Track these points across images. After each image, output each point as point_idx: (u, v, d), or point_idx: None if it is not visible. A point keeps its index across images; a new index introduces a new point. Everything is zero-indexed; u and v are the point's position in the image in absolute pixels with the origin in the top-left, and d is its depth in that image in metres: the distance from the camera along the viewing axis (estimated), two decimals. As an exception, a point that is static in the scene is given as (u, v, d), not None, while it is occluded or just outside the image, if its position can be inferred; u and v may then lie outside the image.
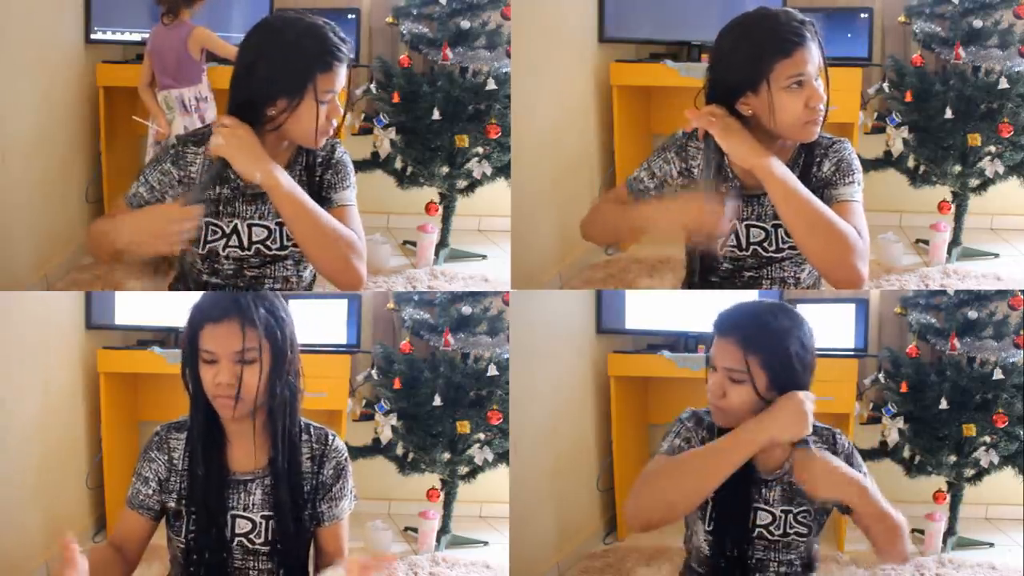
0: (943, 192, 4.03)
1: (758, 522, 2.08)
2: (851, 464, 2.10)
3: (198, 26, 3.71)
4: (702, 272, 2.25)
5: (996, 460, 3.71)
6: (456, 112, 4.01)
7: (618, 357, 3.72)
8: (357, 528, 3.51)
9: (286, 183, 2.08)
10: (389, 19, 4.07)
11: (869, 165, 3.99)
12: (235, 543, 2.03)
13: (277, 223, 2.16)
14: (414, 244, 4.06)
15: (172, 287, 2.33)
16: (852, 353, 3.66)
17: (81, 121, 3.96)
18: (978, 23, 3.89)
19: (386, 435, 3.79)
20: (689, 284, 2.32)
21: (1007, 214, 4.05)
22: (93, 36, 3.99)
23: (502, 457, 3.73)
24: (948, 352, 3.72)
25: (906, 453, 3.77)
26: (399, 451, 3.80)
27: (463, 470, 3.77)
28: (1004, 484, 3.74)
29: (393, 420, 3.78)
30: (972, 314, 3.71)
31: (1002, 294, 3.74)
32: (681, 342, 3.69)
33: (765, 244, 2.18)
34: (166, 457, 2.04)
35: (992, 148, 3.94)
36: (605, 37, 3.94)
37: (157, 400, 3.75)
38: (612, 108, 3.95)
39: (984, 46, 3.90)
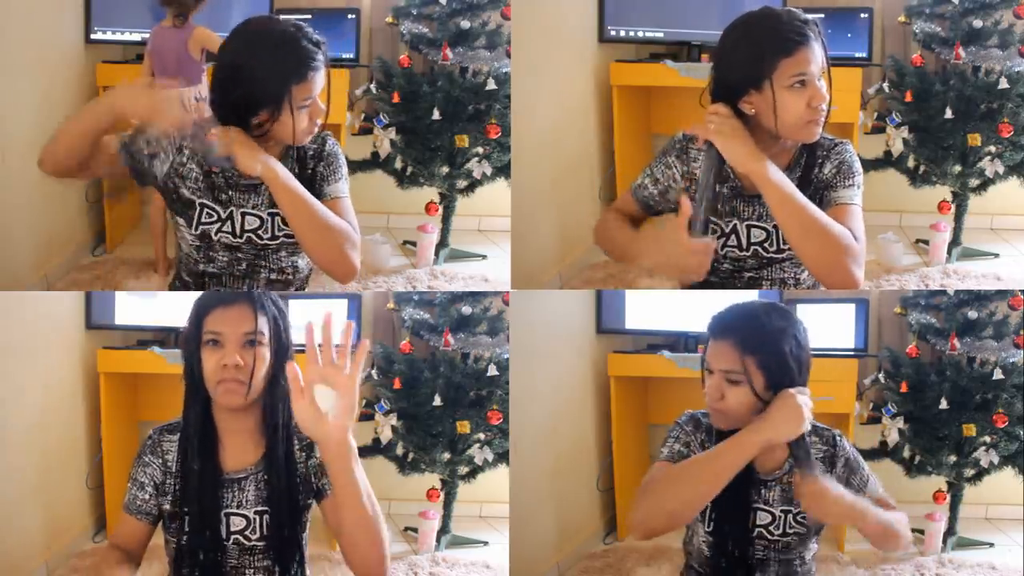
0: (943, 192, 4.03)
1: (758, 522, 2.08)
2: (852, 470, 2.11)
3: (199, 26, 3.71)
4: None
5: (996, 460, 3.71)
6: (456, 112, 4.01)
7: (618, 357, 3.72)
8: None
9: (283, 175, 2.11)
10: (389, 19, 4.07)
11: (869, 165, 4.00)
12: (231, 541, 2.03)
13: (270, 213, 2.18)
14: (414, 244, 4.06)
15: (172, 287, 2.34)
16: (852, 353, 3.66)
17: (81, 121, 3.96)
18: (978, 23, 3.89)
19: (386, 435, 3.79)
20: (689, 284, 2.32)
21: (1007, 214, 4.06)
22: (93, 36, 3.99)
23: (502, 457, 3.73)
24: (948, 352, 3.72)
25: (906, 453, 3.77)
26: (399, 451, 3.80)
27: (463, 470, 3.78)
28: (1004, 484, 3.74)
29: (393, 420, 3.78)
30: (972, 314, 3.71)
31: (1002, 294, 3.74)
32: (681, 342, 3.69)
33: (766, 244, 2.18)
34: (160, 460, 2.05)
35: (992, 148, 3.94)
36: (605, 37, 3.94)
37: (157, 400, 3.75)
38: (612, 108, 3.95)
39: (984, 46, 3.90)
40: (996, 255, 4.00)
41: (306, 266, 2.29)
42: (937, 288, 3.81)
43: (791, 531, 2.10)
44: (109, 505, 3.69)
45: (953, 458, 3.74)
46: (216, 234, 2.19)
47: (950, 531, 3.74)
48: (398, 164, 4.09)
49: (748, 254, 2.20)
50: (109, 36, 3.99)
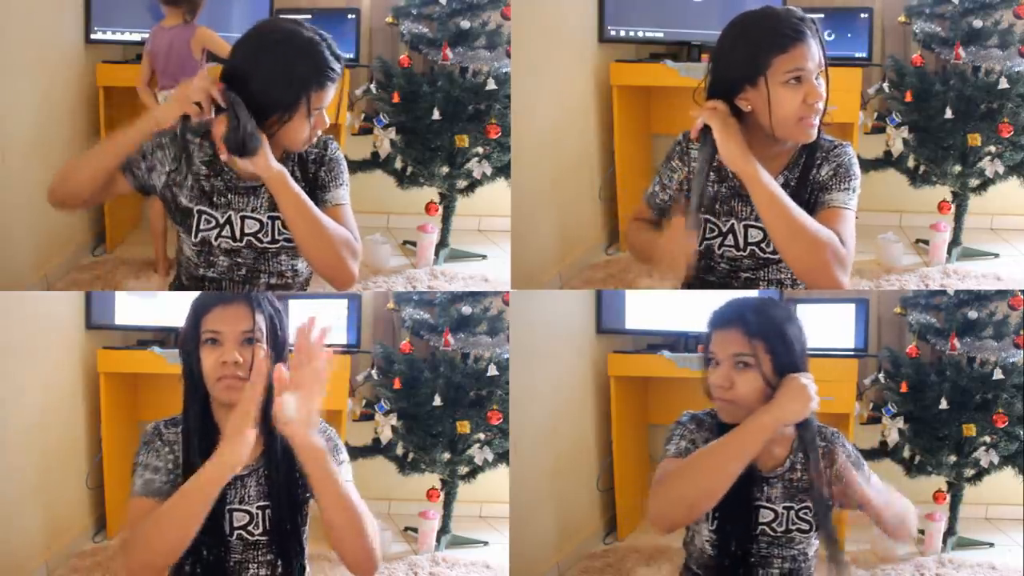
0: (943, 192, 4.03)
1: (760, 520, 2.09)
2: (855, 465, 2.12)
3: (201, 26, 3.71)
4: (699, 272, 2.26)
5: (996, 460, 3.71)
6: (456, 112, 4.01)
7: (618, 357, 3.72)
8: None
9: (288, 178, 2.11)
10: (389, 19, 4.07)
11: (869, 165, 4.00)
12: (234, 537, 2.03)
13: (269, 217, 2.19)
14: (414, 244, 4.06)
15: (172, 287, 2.34)
16: (852, 353, 3.66)
17: (81, 121, 3.96)
18: (978, 23, 3.90)
19: (386, 435, 3.79)
20: (686, 284, 2.32)
21: (1007, 214, 4.06)
22: (93, 36, 3.99)
23: (502, 457, 3.73)
24: (948, 352, 3.72)
25: (906, 453, 3.77)
26: (399, 451, 3.80)
27: (463, 470, 3.78)
28: (1004, 484, 3.74)
29: (393, 420, 3.78)
30: (972, 314, 3.71)
31: (1002, 294, 3.74)
32: (681, 342, 3.69)
33: (763, 244, 2.18)
34: (168, 449, 2.05)
35: (992, 148, 3.94)
36: (605, 37, 3.94)
37: (157, 400, 3.75)
38: (612, 108, 3.95)
39: (984, 46, 3.90)
40: (996, 255, 4.00)
41: (305, 269, 2.29)
42: (937, 288, 3.81)
43: (794, 527, 2.10)
44: (109, 505, 3.69)
45: (953, 458, 3.74)
46: (216, 239, 2.19)
47: (950, 531, 3.74)
48: (398, 164, 4.09)
49: (745, 254, 2.21)
50: (109, 36, 3.99)
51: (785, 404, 1.97)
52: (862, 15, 3.91)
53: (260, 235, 2.20)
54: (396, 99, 4.03)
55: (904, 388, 3.73)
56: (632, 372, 3.75)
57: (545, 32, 3.73)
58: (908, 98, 3.96)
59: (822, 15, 3.84)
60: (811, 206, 2.13)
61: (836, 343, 3.66)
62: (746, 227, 2.19)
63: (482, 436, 3.75)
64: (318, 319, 1.96)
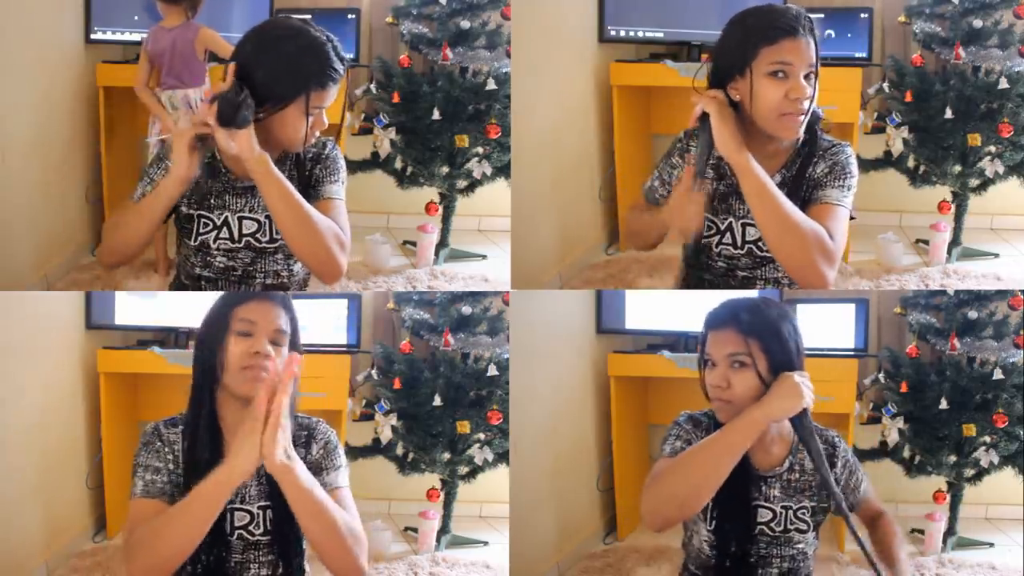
0: (943, 192, 4.03)
1: (759, 519, 2.09)
2: (851, 471, 2.15)
3: (204, 27, 3.71)
4: (697, 270, 2.26)
5: (996, 460, 3.71)
6: (456, 112, 4.01)
7: (618, 357, 3.72)
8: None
9: (270, 164, 2.10)
10: (389, 19, 4.07)
11: (869, 165, 4.00)
12: (235, 536, 2.04)
13: (267, 216, 2.19)
14: (414, 244, 4.06)
15: (172, 287, 2.34)
16: (852, 353, 3.66)
17: (81, 121, 3.96)
18: (978, 23, 3.90)
19: (386, 435, 3.79)
20: (684, 282, 2.32)
21: (1007, 214, 4.06)
22: (93, 36, 3.99)
23: (502, 457, 3.73)
24: (948, 352, 3.72)
25: (906, 453, 3.77)
26: (399, 451, 3.80)
27: (463, 470, 3.78)
28: (1004, 484, 3.75)
29: (393, 420, 3.78)
30: (972, 314, 3.71)
31: (1002, 294, 3.74)
32: (681, 342, 3.70)
33: (760, 243, 2.19)
34: (168, 449, 2.05)
35: (992, 148, 3.95)
36: (605, 37, 3.94)
37: (157, 400, 3.75)
38: (612, 108, 3.95)
39: (984, 46, 3.90)
40: (996, 255, 4.00)
41: (302, 270, 2.29)
42: (937, 288, 3.81)
43: (792, 527, 2.10)
44: (109, 505, 3.69)
45: (953, 458, 3.74)
46: (215, 241, 2.20)
47: (950, 531, 3.74)
48: (398, 164, 4.09)
49: (743, 252, 2.21)
50: (109, 36, 3.99)
51: (775, 400, 1.96)
52: (862, 15, 3.91)
53: (258, 235, 2.21)
54: (396, 99, 4.03)
55: (904, 388, 3.73)
56: (632, 372, 3.75)
57: (545, 32, 3.73)
58: (908, 98, 3.96)
59: (822, 15, 3.84)
60: (806, 203, 2.13)
61: (836, 343, 3.66)
62: (744, 225, 2.20)
63: (482, 436, 3.75)
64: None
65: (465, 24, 4.00)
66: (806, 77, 2.09)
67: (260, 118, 2.11)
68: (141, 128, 3.88)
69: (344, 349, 3.73)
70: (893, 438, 3.75)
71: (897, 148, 4.01)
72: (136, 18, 3.95)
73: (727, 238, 2.21)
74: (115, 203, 3.95)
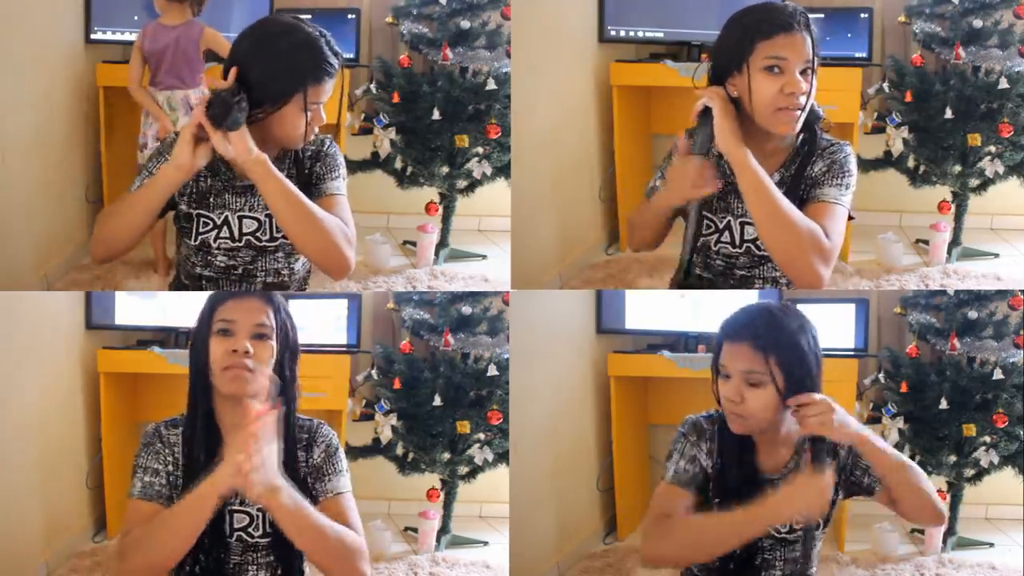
0: (943, 192, 4.03)
1: None
2: (858, 463, 2.12)
3: (208, 26, 3.70)
4: (695, 269, 2.26)
5: (996, 460, 3.71)
6: (456, 112, 4.01)
7: (618, 357, 3.72)
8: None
9: (269, 164, 2.10)
10: (389, 19, 4.07)
11: (869, 165, 4.00)
12: (234, 538, 2.03)
13: (267, 215, 2.19)
14: (414, 244, 4.06)
15: (172, 287, 2.34)
16: (852, 353, 3.66)
17: (81, 121, 3.96)
18: (978, 23, 3.89)
19: (386, 435, 3.79)
20: (680, 282, 2.32)
21: (1007, 214, 4.06)
22: (93, 36, 3.99)
23: (502, 457, 3.73)
24: (948, 352, 3.72)
25: (906, 453, 3.76)
26: (399, 451, 3.80)
27: (463, 470, 3.78)
28: (1004, 484, 3.74)
29: (393, 420, 3.78)
30: (972, 314, 3.71)
31: (1002, 294, 3.74)
32: (681, 342, 3.69)
33: (759, 242, 2.18)
34: (168, 450, 2.04)
35: (992, 148, 3.94)
36: (605, 37, 3.94)
37: (157, 400, 3.75)
38: (612, 108, 3.95)
39: (984, 46, 3.90)
40: (996, 255, 4.00)
41: (302, 268, 2.29)
42: (937, 288, 3.81)
43: (797, 527, 2.10)
44: (109, 505, 3.69)
45: (953, 458, 3.74)
46: (215, 241, 2.20)
47: (950, 531, 3.74)
48: (398, 164, 4.09)
49: (741, 251, 2.21)
50: (109, 36, 3.99)
51: (802, 503, 1.93)
52: (862, 15, 3.91)
53: (259, 234, 2.21)
54: (396, 99, 4.03)
55: (904, 388, 3.73)
56: (632, 372, 3.74)
57: (545, 32, 3.73)
58: (908, 98, 3.96)
59: (822, 15, 3.84)
60: (804, 202, 2.13)
61: (836, 343, 3.66)
62: (742, 224, 2.20)
63: (482, 436, 3.75)
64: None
65: (465, 24, 4.00)
66: (803, 73, 2.10)
67: (260, 118, 2.11)
68: (140, 128, 3.88)
69: (344, 349, 3.73)
70: (893, 438, 3.75)
71: (897, 148, 4.01)
72: (136, 18, 3.95)
73: (725, 236, 2.21)
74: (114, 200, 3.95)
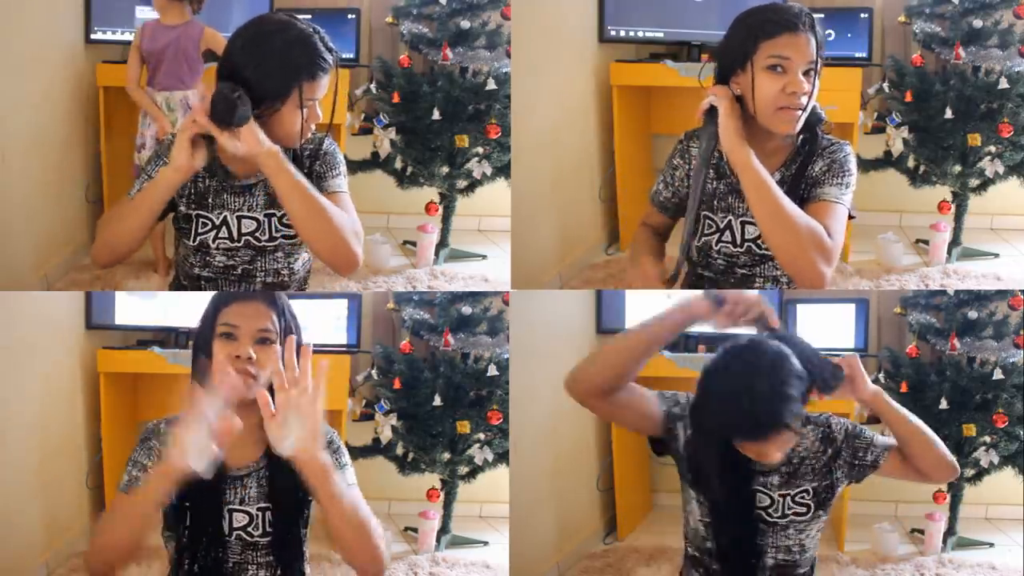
0: (943, 192, 4.03)
1: (756, 505, 2.09)
2: (856, 435, 2.12)
3: (208, 27, 3.70)
4: (696, 268, 2.27)
5: (996, 460, 3.71)
6: (456, 112, 4.01)
7: (618, 357, 3.71)
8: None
9: (281, 156, 2.09)
10: (389, 19, 4.07)
11: (869, 165, 4.00)
12: (233, 537, 2.03)
13: (266, 215, 2.19)
14: (414, 244, 4.06)
15: (172, 287, 2.34)
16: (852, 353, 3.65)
17: (81, 120, 3.96)
18: (978, 23, 3.90)
19: (386, 435, 3.79)
20: (686, 284, 2.32)
21: (1007, 214, 4.06)
22: (93, 36, 3.99)
23: (502, 457, 3.73)
24: (948, 352, 3.72)
25: (906, 453, 3.76)
26: (399, 451, 3.80)
27: (463, 470, 3.78)
28: (1004, 484, 3.75)
29: (393, 420, 3.78)
30: (972, 314, 3.71)
31: (1002, 294, 3.74)
32: (681, 342, 3.69)
33: (760, 241, 2.19)
34: (162, 447, 2.04)
35: (992, 148, 3.95)
36: (605, 37, 3.94)
37: (157, 400, 3.75)
38: (612, 108, 3.95)
39: (984, 46, 3.90)
40: (996, 255, 4.00)
41: (302, 268, 2.29)
42: (937, 288, 3.81)
43: (790, 512, 2.10)
44: (109, 504, 3.69)
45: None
46: (214, 241, 2.20)
47: (950, 531, 3.74)
48: (398, 164, 4.09)
49: (742, 250, 2.22)
50: (109, 36, 3.99)
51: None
52: (862, 15, 3.91)
53: (258, 234, 2.20)
54: (396, 99, 4.03)
55: (904, 388, 3.73)
56: (632, 372, 3.74)
57: (545, 32, 3.73)
58: (908, 98, 3.96)
59: (822, 15, 3.84)
60: (804, 201, 2.14)
61: (836, 343, 3.66)
62: (743, 223, 2.20)
63: (482, 436, 3.75)
64: (299, 339, 1.95)
65: (465, 24, 4.00)
66: (805, 73, 2.10)
67: (263, 120, 2.10)
68: (138, 128, 3.88)
69: (344, 349, 3.73)
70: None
71: (897, 148, 4.01)
72: (136, 18, 3.95)
73: (726, 236, 2.22)
74: (115, 202, 3.95)
